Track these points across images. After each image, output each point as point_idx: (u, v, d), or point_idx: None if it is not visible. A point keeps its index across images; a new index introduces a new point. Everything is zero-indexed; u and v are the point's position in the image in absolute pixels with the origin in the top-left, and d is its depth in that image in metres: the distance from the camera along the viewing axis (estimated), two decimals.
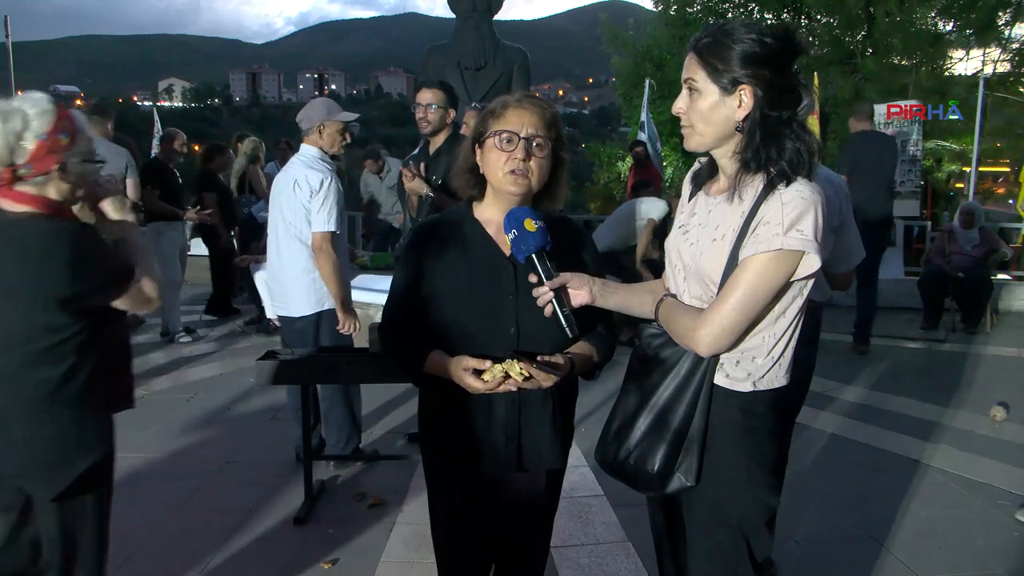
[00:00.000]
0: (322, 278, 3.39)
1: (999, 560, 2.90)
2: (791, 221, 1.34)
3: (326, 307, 3.47)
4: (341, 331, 3.45)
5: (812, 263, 1.36)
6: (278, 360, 3.15)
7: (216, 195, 6.81)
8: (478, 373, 1.58)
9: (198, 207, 6.69)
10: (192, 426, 4.31)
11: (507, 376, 1.57)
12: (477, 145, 1.72)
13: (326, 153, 3.51)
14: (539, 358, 1.59)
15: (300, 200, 3.38)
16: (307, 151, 3.50)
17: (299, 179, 3.39)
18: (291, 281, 3.49)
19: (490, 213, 1.74)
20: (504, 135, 1.65)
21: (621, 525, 3.12)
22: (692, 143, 1.48)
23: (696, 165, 1.62)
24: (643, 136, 9.80)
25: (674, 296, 1.55)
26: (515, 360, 1.56)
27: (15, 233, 1.70)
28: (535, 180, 1.67)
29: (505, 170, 1.65)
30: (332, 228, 3.38)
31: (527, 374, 1.55)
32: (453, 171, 1.81)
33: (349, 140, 3.61)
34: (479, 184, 1.74)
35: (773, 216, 1.35)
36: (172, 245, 6.43)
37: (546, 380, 1.58)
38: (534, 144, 1.65)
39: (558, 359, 1.63)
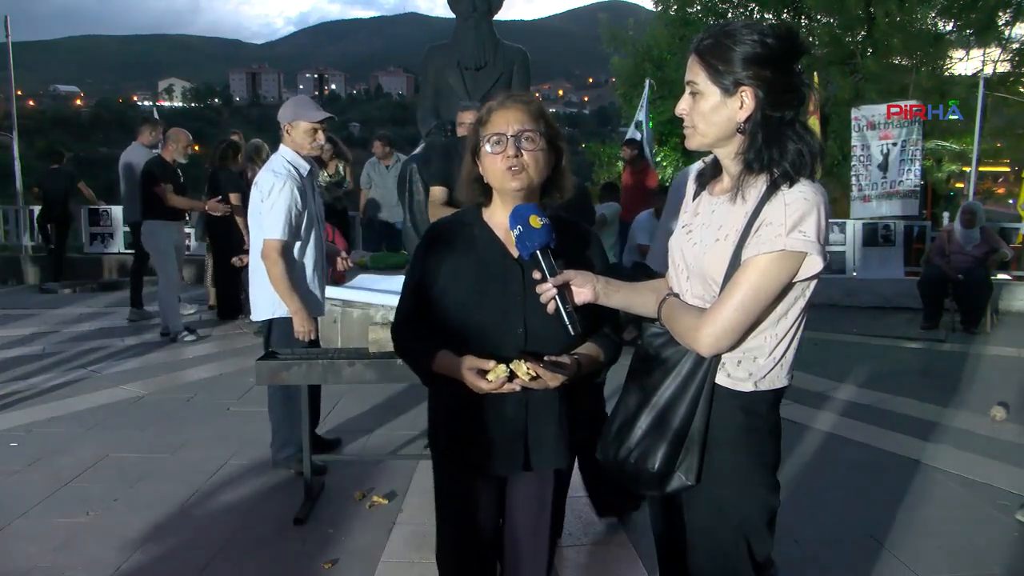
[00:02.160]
0: (271, 284, 3.35)
1: (999, 560, 2.90)
2: (794, 222, 1.34)
3: (277, 314, 3.40)
4: (297, 336, 3.38)
5: (814, 264, 1.36)
6: (278, 360, 3.16)
7: (240, 195, 6.73)
8: (483, 373, 1.60)
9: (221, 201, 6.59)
10: (192, 426, 4.31)
11: (512, 376, 1.58)
12: (476, 156, 1.76)
13: (300, 155, 3.42)
14: (546, 358, 1.61)
15: (255, 202, 3.37)
16: (280, 152, 3.45)
17: (258, 180, 3.38)
18: (252, 284, 3.49)
19: (498, 216, 1.78)
20: (493, 138, 1.69)
21: (621, 525, 3.11)
22: (694, 143, 1.50)
23: (700, 164, 1.63)
24: (640, 136, 9.79)
25: (677, 296, 1.56)
26: (522, 360, 1.57)
27: None
28: (533, 172, 1.70)
29: (501, 168, 1.69)
30: (277, 236, 3.27)
31: (534, 374, 1.56)
32: (459, 184, 1.85)
33: (323, 140, 3.50)
34: (485, 191, 1.79)
35: (776, 217, 1.36)
36: (169, 243, 6.42)
37: (552, 380, 1.59)
38: (523, 138, 1.68)
39: (564, 359, 1.64)
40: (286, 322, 3.40)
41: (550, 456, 1.77)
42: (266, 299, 3.42)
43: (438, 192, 3.52)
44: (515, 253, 1.71)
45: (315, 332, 3.43)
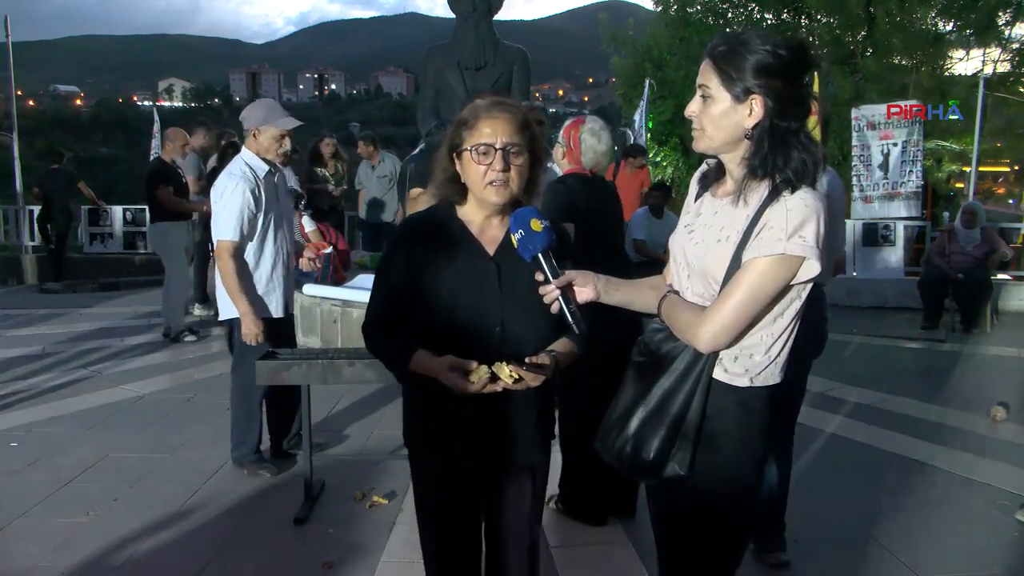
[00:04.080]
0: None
1: (999, 560, 2.90)
2: (794, 227, 1.38)
3: (236, 316, 3.42)
4: (244, 339, 3.40)
5: (812, 268, 1.40)
6: (278, 360, 3.16)
7: None
8: (465, 374, 1.62)
9: None
10: (192, 426, 4.31)
11: (493, 378, 1.60)
12: (455, 155, 1.74)
13: (261, 158, 3.43)
14: (527, 360, 1.63)
15: (212, 204, 3.40)
16: (241, 154, 3.45)
17: (216, 183, 3.40)
18: (217, 284, 3.50)
19: (473, 215, 1.77)
20: (480, 148, 1.67)
21: (621, 525, 3.12)
22: (701, 145, 1.53)
23: (704, 167, 1.65)
24: (639, 140, 9.82)
25: (677, 293, 1.59)
26: (504, 363, 1.60)
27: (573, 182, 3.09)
28: (516, 186, 1.71)
29: (485, 182, 1.68)
30: (228, 236, 3.30)
31: (516, 376, 1.59)
32: (433, 180, 1.82)
33: (288, 147, 3.50)
34: (461, 191, 1.77)
35: (777, 221, 1.39)
36: (178, 244, 6.43)
37: (534, 381, 1.62)
38: (510, 153, 1.68)
39: (544, 359, 1.66)
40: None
41: (526, 452, 1.79)
42: (227, 300, 3.44)
43: (416, 194, 3.50)
44: (490, 251, 1.73)
45: (263, 336, 3.40)
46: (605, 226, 3.14)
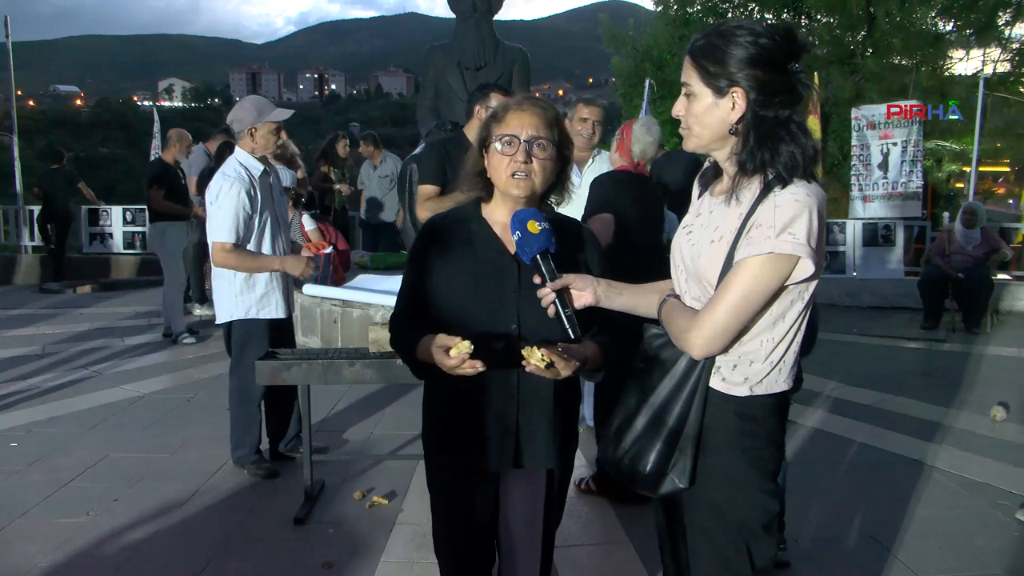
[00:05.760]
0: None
1: (999, 560, 2.90)
2: (783, 224, 1.32)
3: (236, 317, 3.43)
4: (301, 277, 3.45)
5: (806, 267, 1.34)
6: (278, 360, 3.16)
7: None
8: (448, 351, 1.60)
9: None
10: (192, 426, 4.31)
11: (488, 358, 1.57)
12: (483, 150, 1.75)
13: (255, 156, 3.41)
14: (560, 345, 1.60)
15: (207, 206, 3.40)
16: (236, 155, 3.43)
17: (211, 184, 3.39)
18: (215, 287, 3.50)
19: (497, 213, 1.77)
20: (505, 138, 1.68)
21: (621, 525, 3.12)
22: (690, 144, 1.50)
23: (705, 165, 1.62)
24: None
25: (678, 297, 1.55)
26: (535, 347, 1.55)
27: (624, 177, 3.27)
28: (539, 181, 1.70)
29: (507, 173, 1.68)
30: (223, 238, 3.29)
31: (548, 360, 1.54)
32: (461, 175, 1.84)
33: (284, 139, 3.50)
34: (487, 187, 1.78)
35: (766, 219, 1.34)
36: (176, 244, 6.43)
37: (565, 368, 1.57)
38: (535, 146, 1.68)
39: (578, 347, 1.63)
40: (245, 324, 3.44)
41: (540, 455, 1.76)
42: (225, 302, 3.44)
43: (426, 191, 3.47)
44: (512, 250, 1.72)
45: (312, 267, 3.47)
46: (642, 223, 3.24)
